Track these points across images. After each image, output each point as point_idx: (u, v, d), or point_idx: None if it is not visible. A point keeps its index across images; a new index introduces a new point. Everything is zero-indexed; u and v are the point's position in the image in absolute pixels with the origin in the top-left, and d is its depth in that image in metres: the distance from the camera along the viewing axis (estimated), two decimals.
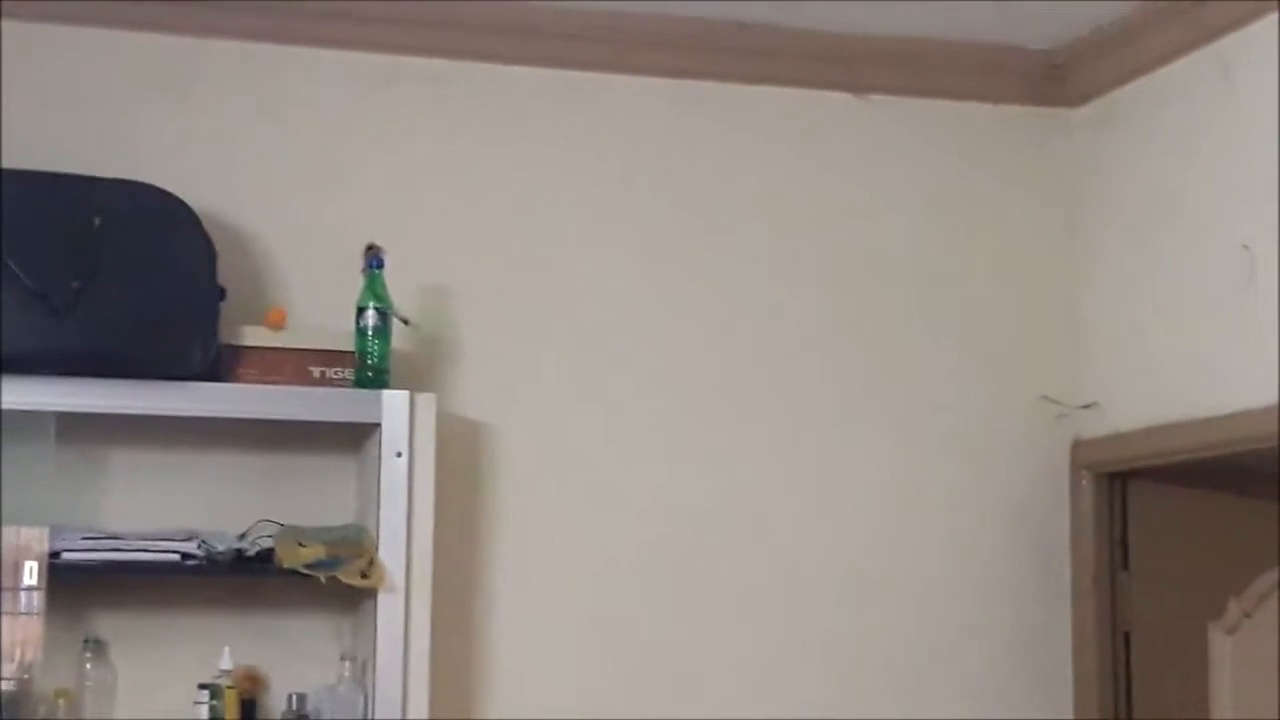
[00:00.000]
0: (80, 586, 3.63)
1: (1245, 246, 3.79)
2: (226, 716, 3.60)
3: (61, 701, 3.59)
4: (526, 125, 4.14)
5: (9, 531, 3.51)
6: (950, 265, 4.35)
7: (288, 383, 3.70)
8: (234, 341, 3.70)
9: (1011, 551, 4.29)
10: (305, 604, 3.79)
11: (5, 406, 3.48)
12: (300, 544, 3.64)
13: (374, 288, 3.75)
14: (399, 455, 3.67)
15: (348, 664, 3.70)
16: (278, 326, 3.74)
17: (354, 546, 3.66)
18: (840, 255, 4.28)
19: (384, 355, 3.74)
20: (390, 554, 3.64)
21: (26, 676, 3.53)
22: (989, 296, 4.35)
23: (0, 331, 3.46)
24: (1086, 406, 4.29)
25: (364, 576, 3.62)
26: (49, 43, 3.86)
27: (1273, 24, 3.74)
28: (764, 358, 4.21)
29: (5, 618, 3.50)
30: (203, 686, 3.62)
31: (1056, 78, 4.36)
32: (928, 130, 4.37)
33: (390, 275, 3.77)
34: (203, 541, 3.64)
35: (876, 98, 4.33)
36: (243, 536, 3.68)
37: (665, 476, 4.13)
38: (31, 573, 3.52)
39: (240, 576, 3.72)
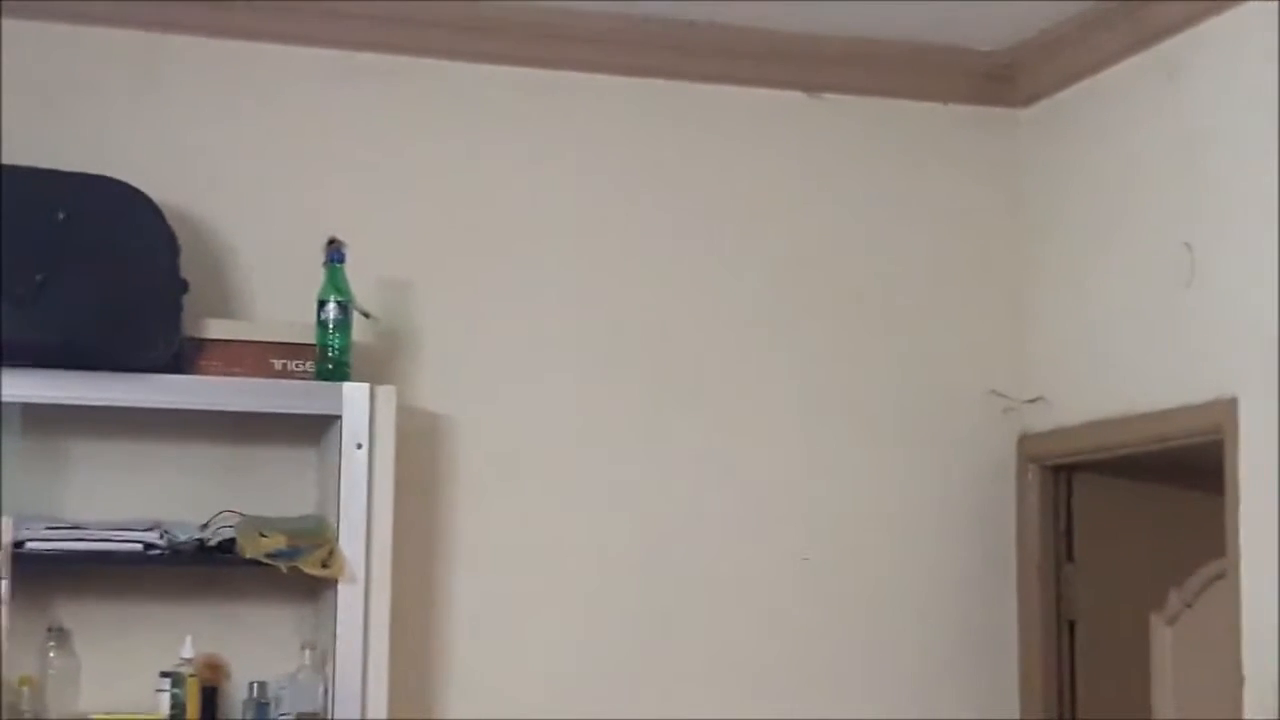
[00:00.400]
0: (44, 576, 3.65)
1: (1187, 245, 3.85)
2: (188, 704, 3.63)
3: (25, 689, 3.61)
4: (486, 121, 4.17)
5: None
6: (900, 261, 4.40)
7: (249, 375, 3.72)
8: (196, 334, 3.71)
9: (959, 543, 4.34)
10: (266, 593, 3.81)
11: None
12: (261, 534, 3.65)
13: (335, 281, 3.76)
14: (359, 447, 3.69)
15: (308, 653, 3.73)
16: None
17: (314, 537, 3.68)
18: (792, 251, 4.33)
19: (345, 348, 3.75)
20: (350, 544, 3.66)
21: None
22: (938, 292, 4.41)
23: None
24: (1033, 401, 4.34)
25: (324, 566, 3.64)
26: (11, 38, 3.86)
27: (1217, 26, 3.81)
28: (718, 352, 4.26)
29: None
30: (165, 674, 3.64)
31: (1004, 78, 4.41)
32: (878, 129, 4.42)
33: (351, 269, 3.79)
34: (165, 531, 3.66)
35: (828, 96, 4.38)
36: (205, 526, 3.70)
37: (623, 470, 4.17)
38: None
39: (202, 566, 3.74)
